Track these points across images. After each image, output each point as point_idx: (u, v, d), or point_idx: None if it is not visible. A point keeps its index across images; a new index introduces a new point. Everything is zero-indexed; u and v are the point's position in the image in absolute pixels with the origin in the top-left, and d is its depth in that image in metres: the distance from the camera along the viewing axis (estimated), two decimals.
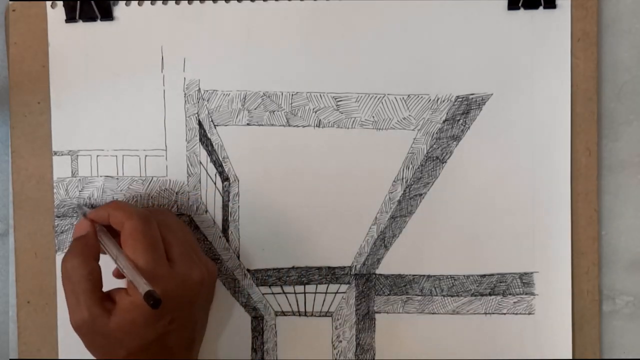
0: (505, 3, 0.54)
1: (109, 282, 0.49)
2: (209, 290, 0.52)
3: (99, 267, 0.48)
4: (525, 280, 0.56)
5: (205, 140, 0.55)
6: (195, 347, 0.52)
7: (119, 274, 0.50)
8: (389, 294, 0.56)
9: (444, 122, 0.55)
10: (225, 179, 0.55)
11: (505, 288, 0.56)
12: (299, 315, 0.56)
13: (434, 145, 0.55)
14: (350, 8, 0.54)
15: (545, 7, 0.54)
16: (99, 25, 0.54)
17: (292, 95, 0.55)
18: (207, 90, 0.55)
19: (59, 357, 0.55)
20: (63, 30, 0.54)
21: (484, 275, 0.56)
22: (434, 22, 0.54)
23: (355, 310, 0.57)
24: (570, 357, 0.56)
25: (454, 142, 0.55)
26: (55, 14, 0.54)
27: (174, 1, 0.54)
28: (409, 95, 0.55)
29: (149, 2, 0.54)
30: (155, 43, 0.55)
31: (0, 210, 0.56)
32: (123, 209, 0.49)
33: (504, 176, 0.55)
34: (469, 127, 0.55)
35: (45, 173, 0.55)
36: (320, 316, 0.57)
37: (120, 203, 0.50)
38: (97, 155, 0.55)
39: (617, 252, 0.57)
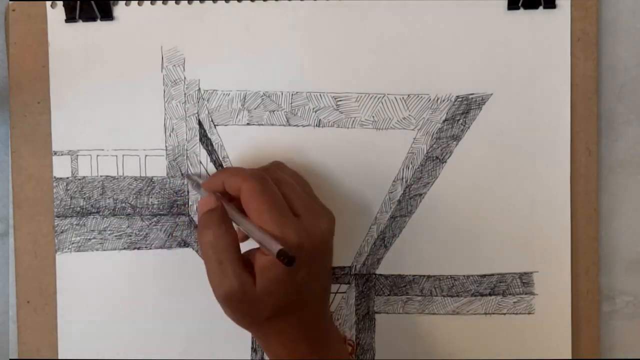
0: (505, 3, 0.54)
1: None
2: (332, 240, 0.52)
3: (237, 234, 0.48)
4: (525, 280, 0.56)
5: (205, 140, 0.55)
6: (327, 296, 0.52)
7: (243, 236, 0.50)
8: (389, 294, 0.56)
9: (444, 121, 0.55)
10: None
11: (505, 288, 0.56)
12: None
13: (434, 145, 0.55)
14: (350, 8, 0.54)
15: (545, 7, 0.54)
16: (99, 25, 0.54)
17: (292, 95, 0.55)
18: (207, 90, 0.55)
19: (59, 357, 0.55)
20: (63, 30, 0.54)
21: (484, 276, 0.56)
22: (434, 22, 0.54)
23: (355, 311, 0.57)
24: (570, 357, 0.56)
25: (454, 142, 0.55)
26: (55, 14, 0.54)
27: (174, 1, 0.54)
28: (409, 95, 0.55)
29: (149, 2, 0.54)
30: (155, 43, 0.55)
31: (0, 210, 0.56)
32: (238, 174, 0.48)
33: (504, 176, 0.55)
34: (469, 127, 0.55)
35: (45, 173, 0.55)
36: None
37: (232, 169, 0.51)
38: (97, 155, 0.55)
39: (616, 252, 0.57)
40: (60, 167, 0.55)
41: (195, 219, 0.55)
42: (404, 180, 0.56)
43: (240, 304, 0.47)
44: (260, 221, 0.46)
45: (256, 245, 0.48)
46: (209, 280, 0.48)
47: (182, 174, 0.55)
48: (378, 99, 0.55)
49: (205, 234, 0.48)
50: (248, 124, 0.55)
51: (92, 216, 0.55)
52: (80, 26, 0.54)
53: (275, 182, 0.48)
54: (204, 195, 0.50)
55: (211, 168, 0.55)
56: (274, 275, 0.46)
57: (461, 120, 0.55)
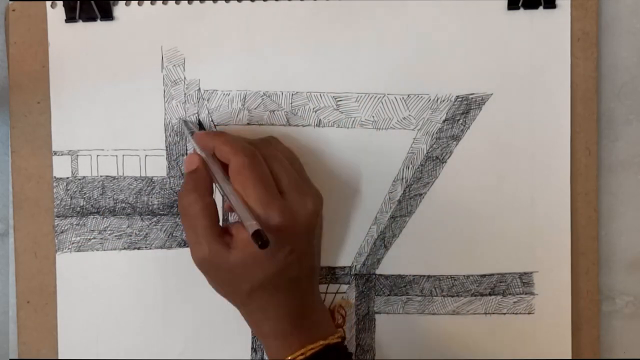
0: (505, 3, 0.54)
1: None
2: (320, 218, 0.52)
3: (214, 201, 0.49)
4: (525, 280, 0.56)
5: None
6: (316, 275, 0.52)
7: (230, 208, 0.51)
8: (389, 295, 0.56)
9: (444, 121, 0.55)
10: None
11: (505, 288, 0.56)
12: None
13: (434, 145, 0.55)
14: (350, 8, 0.54)
15: (545, 7, 0.54)
16: (99, 25, 0.54)
17: (292, 94, 0.55)
18: (207, 90, 0.55)
19: (59, 357, 0.55)
20: (63, 30, 0.54)
21: (484, 275, 0.56)
22: (434, 22, 0.54)
23: (355, 311, 0.57)
24: (570, 357, 0.56)
25: (454, 142, 0.55)
26: (55, 14, 0.54)
27: (174, 1, 0.54)
28: (409, 95, 0.55)
29: (149, 2, 0.54)
30: (155, 43, 0.55)
31: (0, 210, 0.56)
32: (229, 144, 0.48)
33: (504, 176, 0.55)
34: (469, 127, 0.55)
35: (45, 173, 0.55)
36: None
37: (226, 137, 0.49)
38: (97, 155, 0.55)
39: (617, 252, 0.57)
40: (60, 167, 0.55)
41: None
42: (404, 180, 0.56)
43: (214, 272, 0.48)
44: (245, 196, 0.47)
45: None
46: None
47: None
48: (378, 99, 0.55)
49: (180, 200, 0.49)
50: (248, 123, 0.55)
51: (92, 216, 0.55)
52: (80, 26, 0.54)
53: (265, 157, 0.49)
54: (194, 147, 0.51)
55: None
56: (251, 252, 0.46)
57: (461, 120, 0.55)
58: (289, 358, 0.48)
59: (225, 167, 0.49)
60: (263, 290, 0.48)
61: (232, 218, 0.54)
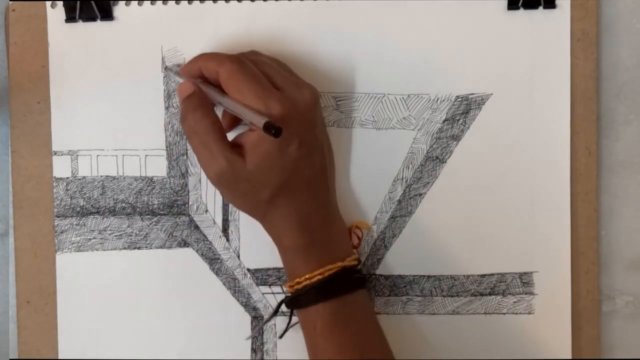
0: (505, 3, 0.54)
1: None
2: (320, 113, 0.52)
3: (218, 117, 0.49)
4: (525, 280, 0.56)
5: None
6: (329, 176, 0.52)
7: (228, 124, 0.51)
8: (389, 295, 0.56)
9: (444, 121, 0.55)
10: None
11: (505, 288, 0.56)
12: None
13: (434, 145, 0.55)
14: (350, 8, 0.54)
15: (545, 7, 0.54)
16: (99, 25, 0.54)
17: None
18: None
19: (59, 357, 0.55)
20: (63, 30, 0.54)
21: (483, 275, 0.56)
22: (434, 22, 0.55)
23: None
24: (570, 357, 0.56)
25: (454, 142, 0.55)
26: (55, 14, 0.54)
27: (174, 1, 0.54)
28: (409, 95, 0.55)
29: (149, 2, 0.54)
30: (155, 43, 0.55)
31: (0, 210, 0.56)
32: (213, 58, 0.49)
33: (504, 176, 0.55)
34: (468, 127, 0.55)
35: (45, 173, 0.55)
36: None
37: (208, 54, 0.51)
38: (97, 155, 0.55)
39: (617, 252, 0.57)
40: (60, 167, 0.55)
41: (195, 218, 0.55)
42: (404, 180, 0.56)
43: (234, 184, 0.48)
44: (243, 98, 0.47)
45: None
46: (202, 168, 0.49)
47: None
48: (378, 99, 0.55)
49: (185, 121, 0.49)
50: None
51: (92, 216, 0.55)
52: (80, 26, 0.54)
53: (252, 63, 0.49)
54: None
55: None
56: (265, 150, 0.47)
57: (461, 120, 0.55)
58: (307, 276, 0.49)
59: (217, 88, 0.49)
60: (282, 194, 0.48)
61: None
